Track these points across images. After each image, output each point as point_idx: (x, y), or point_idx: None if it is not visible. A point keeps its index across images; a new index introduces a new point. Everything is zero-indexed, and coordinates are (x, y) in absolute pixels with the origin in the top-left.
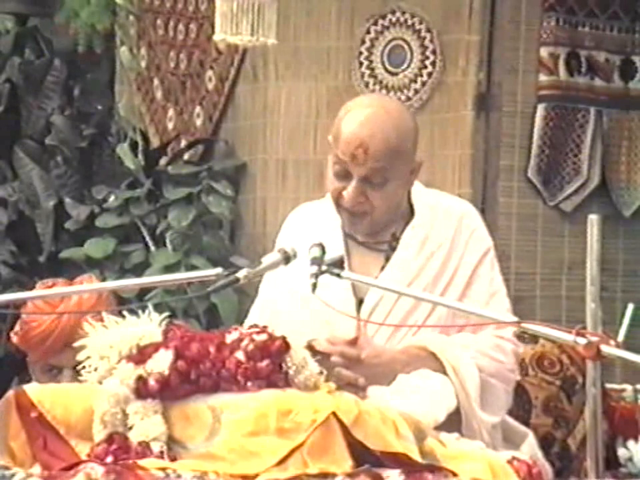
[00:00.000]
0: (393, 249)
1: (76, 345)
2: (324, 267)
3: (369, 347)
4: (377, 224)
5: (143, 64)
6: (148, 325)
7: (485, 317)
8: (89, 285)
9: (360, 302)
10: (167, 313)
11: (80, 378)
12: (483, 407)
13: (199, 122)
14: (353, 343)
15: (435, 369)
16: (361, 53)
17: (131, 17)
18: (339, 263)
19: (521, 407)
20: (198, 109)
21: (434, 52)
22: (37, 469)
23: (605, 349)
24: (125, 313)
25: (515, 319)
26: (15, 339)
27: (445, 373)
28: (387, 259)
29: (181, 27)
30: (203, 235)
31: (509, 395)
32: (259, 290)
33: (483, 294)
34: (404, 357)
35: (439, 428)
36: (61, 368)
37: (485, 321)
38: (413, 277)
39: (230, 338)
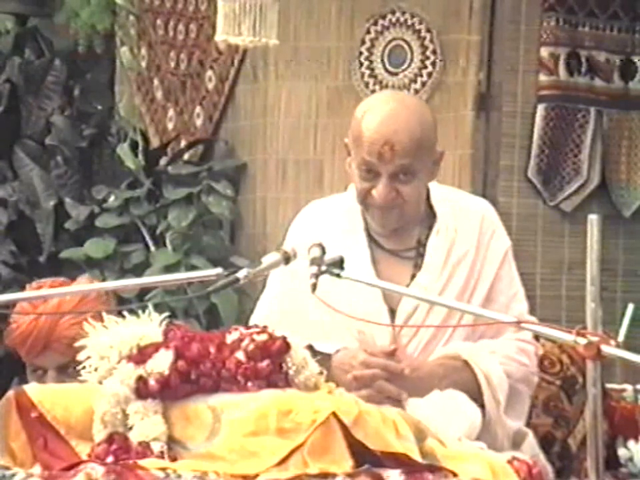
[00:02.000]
0: (420, 255)
1: (77, 345)
2: (324, 267)
3: (408, 360)
4: (407, 216)
5: (143, 64)
6: (148, 325)
7: (485, 317)
8: (87, 285)
9: (392, 312)
10: (166, 313)
11: (64, 379)
12: (508, 413)
13: (199, 122)
14: (392, 354)
15: (469, 379)
16: (361, 53)
17: (131, 17)
18: (338, 263)
19: None
20: (198, 109)
21: (434, 52)
22: (37, 469)
23: (605, 348)
24: (125, 312)
25: (514, 318)
26: (5, 338)
27: (477, 382)
28: (416, 266)
29: (180, 27)
30: (203, 235)
31: (530, 398)
32: (270, 285)
33: (506, 295)
34: (441, 370)
35: None
36: (44, 369)
37: (485, 321)
38: (443, 285)
39: (230, 338)
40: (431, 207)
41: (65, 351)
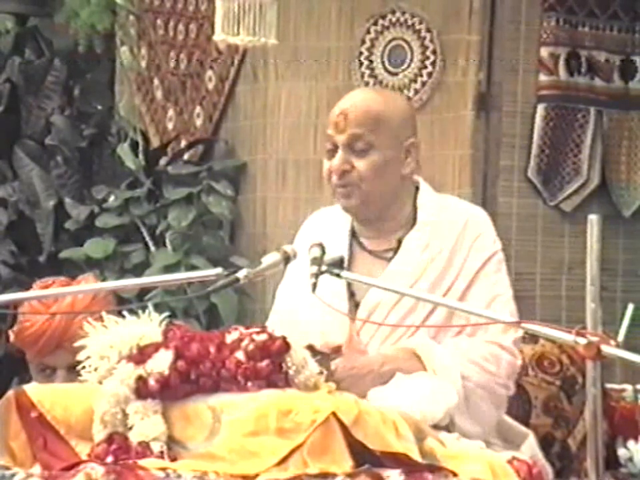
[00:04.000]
0: (397, 254)
1: (76, 344)
2: (324, 267)
3: (346, 358)
4: (367, 198)
5: (143, 64)
6: (148, 325)
7: (484, 317)
8: (88, 284)
9: (356, 305)
10: (166, 313)
11: (73, 378)
12: (463, 416)
13: (199, 122)
14: (336, 350)
15: (414, 371)
16: (361, 53)
17: (131, 17)
18: (338, 263)
19: (520, 407)
20: (198, 109)
21: (434, 52)
22: (37, 469)
23: (605, 348)
24: (125, 312)
25: (515, 318)
26: (12, 337)
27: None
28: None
29: (180, 27)
30: (203, 235)
31: (497, 409)
32: (276, 300)
33: (483, 296)
34: (380, 358)
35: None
36: (54, 368)
37: (484, 321)
38: (412, 281)
39: (230, 338)
40: (416, 210)
41: (77, 350)
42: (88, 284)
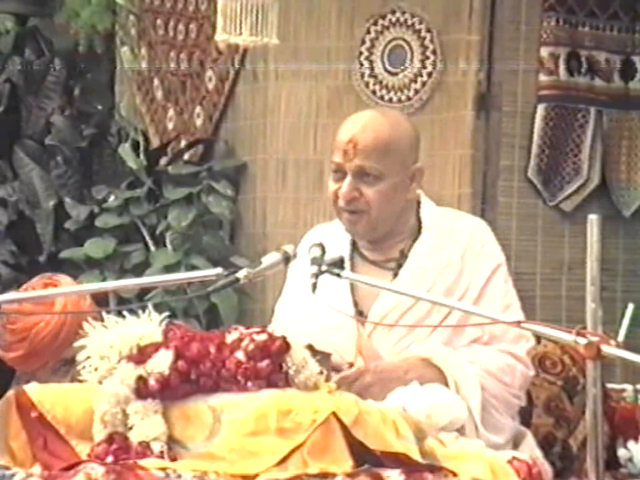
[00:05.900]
0: (400, 265)
1: (77, 344)
2: (324, 267)
3: (370, 362)
4: (376, 224)
5: (143, 64)
6: (148, 325)
7: (485, 317)
8: (86, 285)
9: (360, 314)
10: (166, 313)
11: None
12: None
13: (199, 122)
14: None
15: (435, 380)
16: (361, 53)
17: (131, 17)
18: (338, 263)
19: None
20: (198, 108)
21: (434, 52)
22: (37, 469)
23: (605, 348)
24: (125, 312)
25: (515, 318)
26: (8, 355)
27: (446, 384)
28: (395, 276)
29: (180, 27)
30: (203, 235)
31: (512, 419)
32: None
33: (496, 306)
34: (404, 365)
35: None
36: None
37: (485, 320)
38: (426, 289)
39: (230, 338)
40: (420, 222)
41: None
42: (66, 284)
